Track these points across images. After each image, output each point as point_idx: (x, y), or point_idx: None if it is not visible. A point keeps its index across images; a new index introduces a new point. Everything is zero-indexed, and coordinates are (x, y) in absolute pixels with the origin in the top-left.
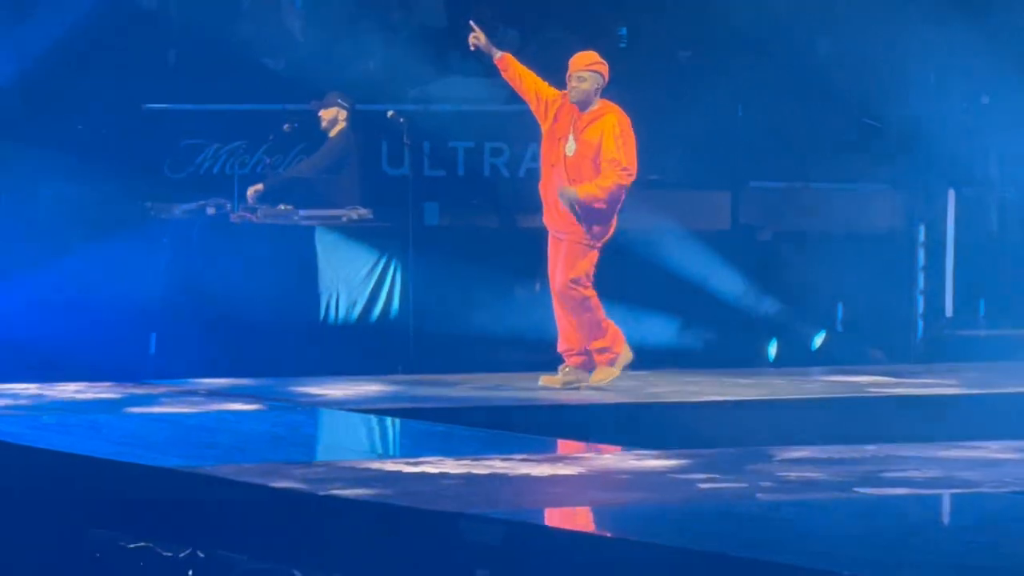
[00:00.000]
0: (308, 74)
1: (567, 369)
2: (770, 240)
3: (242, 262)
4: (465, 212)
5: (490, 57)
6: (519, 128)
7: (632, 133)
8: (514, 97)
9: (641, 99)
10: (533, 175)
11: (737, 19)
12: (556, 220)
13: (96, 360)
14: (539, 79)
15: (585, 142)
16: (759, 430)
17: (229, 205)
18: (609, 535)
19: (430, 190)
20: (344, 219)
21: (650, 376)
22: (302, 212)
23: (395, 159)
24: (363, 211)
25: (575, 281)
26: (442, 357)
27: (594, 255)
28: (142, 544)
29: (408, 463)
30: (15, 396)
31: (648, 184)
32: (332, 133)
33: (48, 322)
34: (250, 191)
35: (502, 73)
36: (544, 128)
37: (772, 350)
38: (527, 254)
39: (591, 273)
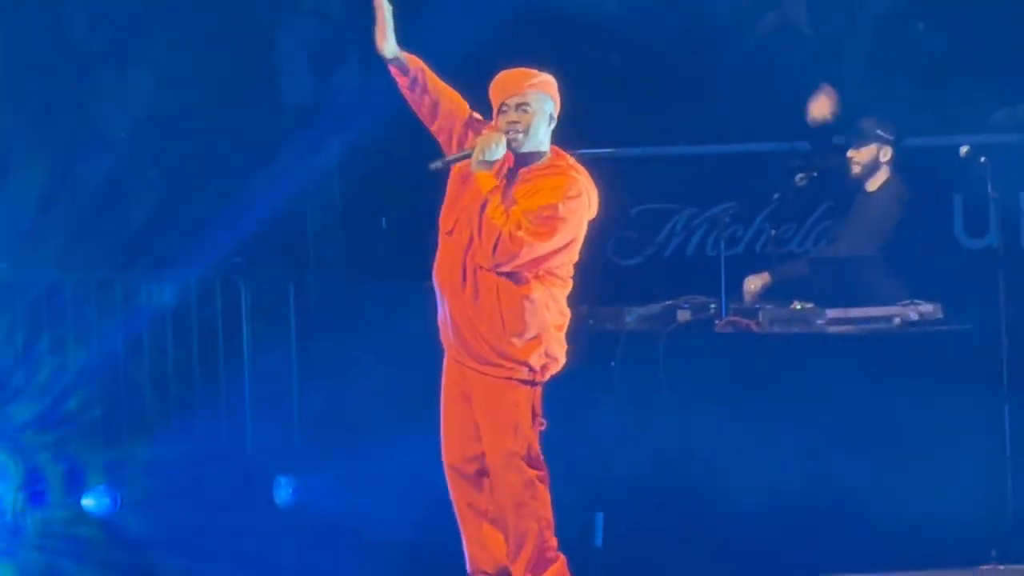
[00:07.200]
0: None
1: None
2: None
3: (738, 400)
4: None
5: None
6: None
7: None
8: None
9: None
10: None
11: None
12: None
13: None
14: (460, 101)
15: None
16: None
17: (714, 305)
18: None
19: None
20: (898, 321)
21: None
22: (830, 313)
23: (976, 222)
24: (925, 307)
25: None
26: None
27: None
28: None
29: None
30: None
31: None
32: (871, 186)
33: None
34: (748, 283)
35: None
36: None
37: None
38: None
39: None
